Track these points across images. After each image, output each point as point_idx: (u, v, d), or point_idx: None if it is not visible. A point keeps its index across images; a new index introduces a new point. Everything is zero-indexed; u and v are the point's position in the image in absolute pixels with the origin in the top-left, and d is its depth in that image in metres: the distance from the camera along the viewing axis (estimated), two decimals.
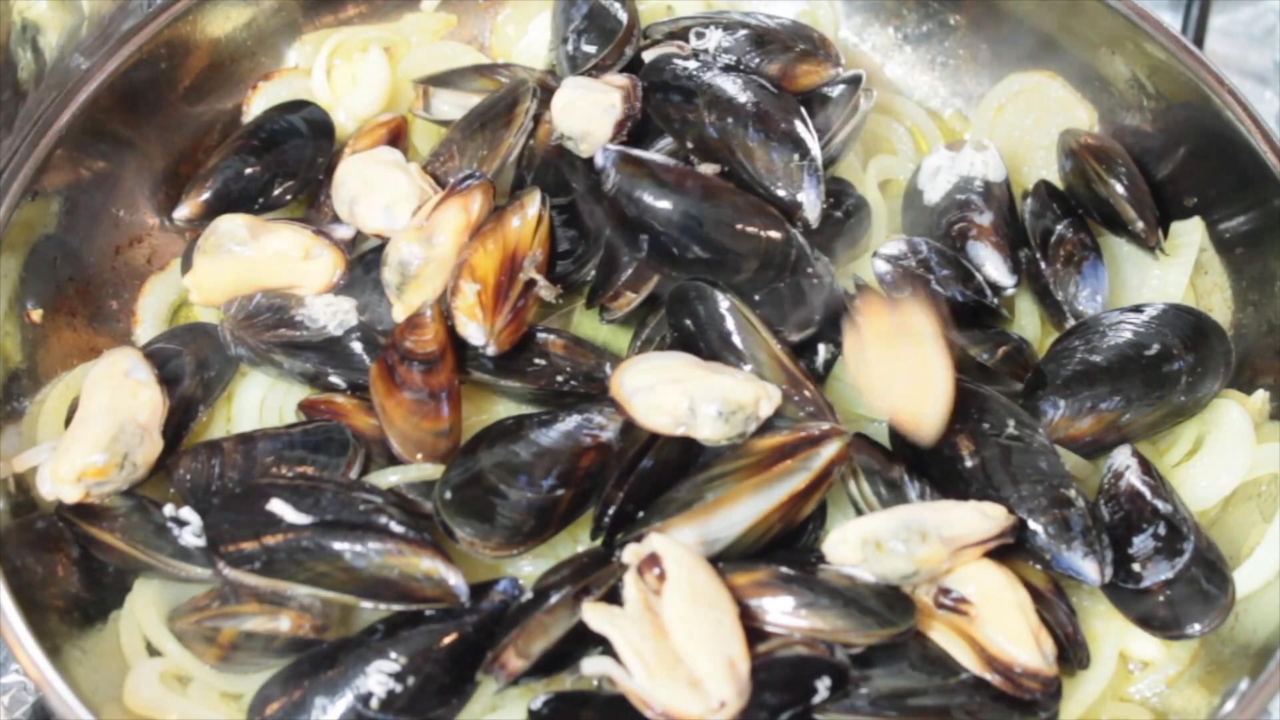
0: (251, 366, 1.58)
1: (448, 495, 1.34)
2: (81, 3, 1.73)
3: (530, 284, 1.49)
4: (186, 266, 1.60)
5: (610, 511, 1.34)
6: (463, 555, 1.34)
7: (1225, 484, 1.51)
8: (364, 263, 1.57)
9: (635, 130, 1.59)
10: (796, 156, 1.52)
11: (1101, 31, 1.74)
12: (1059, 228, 1.67)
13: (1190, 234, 1.66)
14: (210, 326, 1.60)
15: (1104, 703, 1.39)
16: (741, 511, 1.30)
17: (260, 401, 1.58)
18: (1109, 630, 1.41)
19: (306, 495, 1.35)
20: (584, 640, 1.25)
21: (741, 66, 1.64)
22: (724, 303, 1.44)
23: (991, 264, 1.59)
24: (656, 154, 1.55)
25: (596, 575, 1.29)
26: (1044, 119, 1.81)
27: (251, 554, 1.31)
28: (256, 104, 1.80)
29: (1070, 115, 1.80)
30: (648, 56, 1.68)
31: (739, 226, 1.46)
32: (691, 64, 1.62)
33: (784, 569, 1.29)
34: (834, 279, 1.53)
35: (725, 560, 1.30)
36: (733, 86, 1.58)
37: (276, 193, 1.68)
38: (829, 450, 1.32)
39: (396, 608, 1.30)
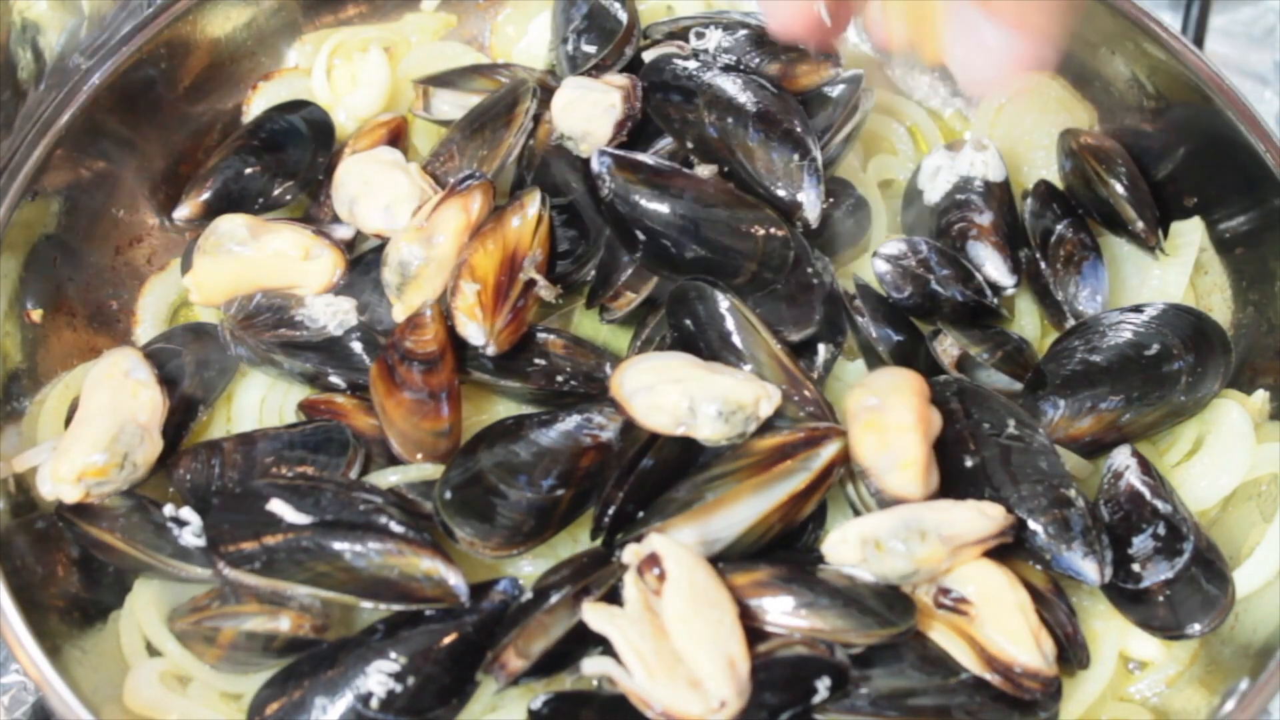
0: (251, 366, 1.58)
1: (448, 495, 1.35)
2: (81, 3, 1.73)
3: (530, 284, 1.49)
4: (186, 266, 1.60)
5: (610, 511, 1.34)
6: (463, 555, 1.34)
7: (1225, 484, 1.51)
8: (364, 263, 1.57)
9: (635, 130, 1.59)
10: (796, 156, 1.52)
11: (1101, 31, 1.73)
12: (1059, 228, 1.67)
13: (1190, 234, 1.65)
14: (210, 326, 1.60)
15: (1104, 703, 1.39)
16: (741, 511, 1.30)
17: (260, 401, 1.58)
18: (1109, 630, 1.41)
19: (306, 495, 1.35)
20: (584, 640, 1.25)
21: (741, 66, 1.64)
22: (724, 303, 1.44)
23: (991, 264, 1.59)
24: (651, 156, 1.55)
25: (596, 575, 1.29)
26: (1044, 119, 1.81)
27: (251, 554, 1.31)
28: (256, 104, 1.80)
29: (1070, 115, 1.80)
30: (648, 56, 1.68)
31: (737, 228, 1.46)
32: (691, 64, 1.62)
33: (784, 569, 1.29)
34: (834, 279, 1.53)
35: (725, 560, 1.30)
36: (733, 86, 1.58)
37: (276, 193, 1.68)
38: (829, 450, 1.32)
39: (396, 608, 1.30)
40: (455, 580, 1.29)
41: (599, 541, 1.37)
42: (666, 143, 1.63)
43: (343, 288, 1.55)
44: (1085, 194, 1.68)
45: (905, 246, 1.56)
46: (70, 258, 1.64)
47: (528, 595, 1.31)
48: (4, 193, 1.54)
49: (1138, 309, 1.55)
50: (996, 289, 1.59)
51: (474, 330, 1.44)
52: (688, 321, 1.46)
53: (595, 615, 1.23)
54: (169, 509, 1.40)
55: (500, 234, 1.47)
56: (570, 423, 1.41)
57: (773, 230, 1.47)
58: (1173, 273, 1.65)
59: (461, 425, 1.46)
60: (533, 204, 1.49)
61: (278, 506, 1.34)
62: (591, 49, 1.72)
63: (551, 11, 1.84)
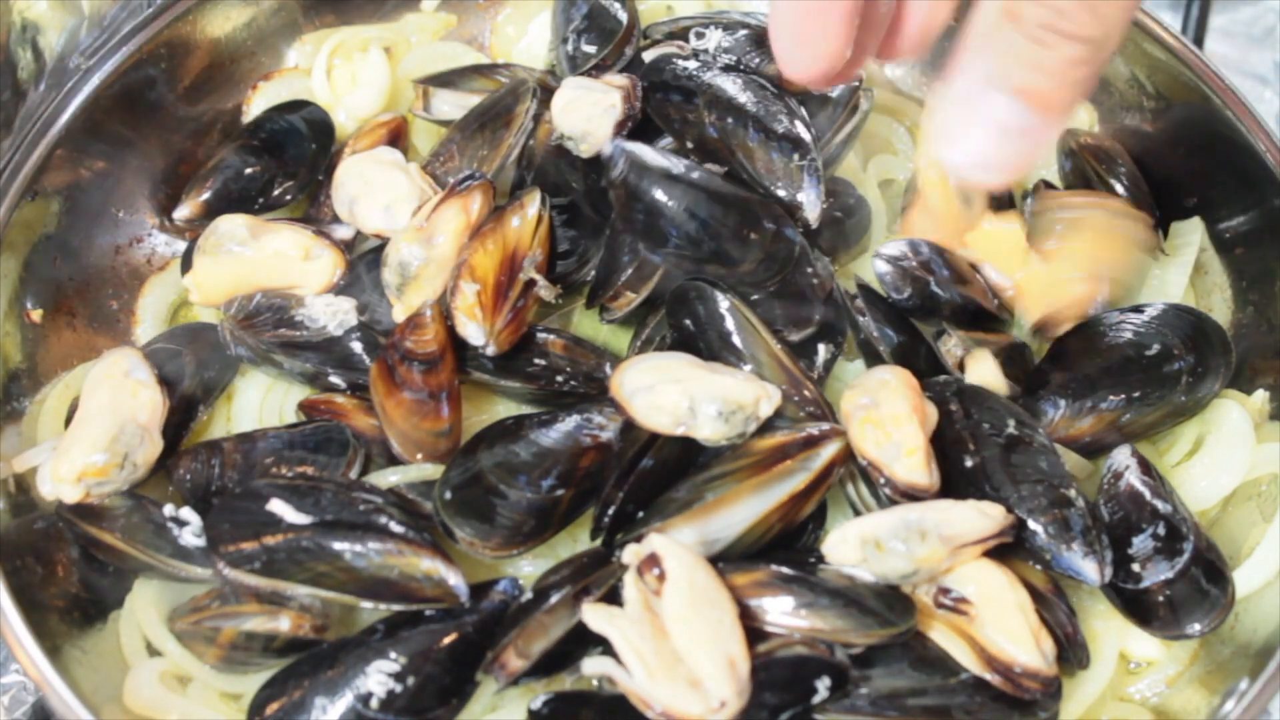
0: (251, 366, 1.58)
1: (448, 495, 1.35)
2: (81, 3, 1.73)
3: (530, 284, 1.49)
4: (186, 266, 1.60)
5: (610, 511, 1.34)
6: (463, 555, 1.34)
7: (1225, 484, 1.51)
8: (364, 263, 1.57)
9: (635, 130, 1.59)
10: (796, 156, 1.52)
11: None
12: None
13: (1190, 234, 1.66)
14: (210, 326, 1.60)
15: (1104, 703, 1.39)
16: (741, 511, 1.30)
17: (260, 401, 1.58)
18: (1109, 630, 1.41)
19: (306, 495, 1.35)
20: (584, 640, 1.25)
21: (741, 66, 1.64)
22: (724, 303, 1.44)
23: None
24: (661, 149, 1.55)
25: (596, 575, 1.29)
26: None
27: (251, 554, 1.31)
28: (256, 104, 1.80)
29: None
30: (648, 56, 1.68)
31: (742, 221, 1.46)
32: (691, 64, 1.62)
33: (784, 569, 1.29)
34: (834, 279, 1.53)
35: (725, 560, 1.30)
36: (733, 86, 1.58)
37: (276, 193, 1.69)
38: (829, 450, 1.32)
39: (396, 608, 1.30)
40: (455, 580, 1.29)
41: (599, 541, 1.37)
42: (666, 143, 1.63)
43: (343, 288, 1.55)
44: None
45: (906, 247, 1.56)
46: (70, 258, 1.64)
47: (528, 595, 1.31)
48: (4, 193, 1.54)
49: (1138, 309, 1.55)
50: (996, 290, 1.59)
51: (474, 330, 1.44)
52: (688, 321, 1.46)
53: (595, 615, 1.23)
54: (169, 509, 1.40)
55: (500, 234, 1.47)
56: (570, 423, 1.41)
57: (779, 224, 1.47)
58: (1173, 273, 1.65)
59: (461, 425, 1.46)
60: (533, 204, 1.49)
61: (278, 506, 1.34)
62: (591, 49, 1.72)
63: (551, 11, 1.84)
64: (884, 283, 1.54)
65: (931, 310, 1.54)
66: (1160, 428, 1.52)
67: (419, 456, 1.44)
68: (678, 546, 1.25)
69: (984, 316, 1.58)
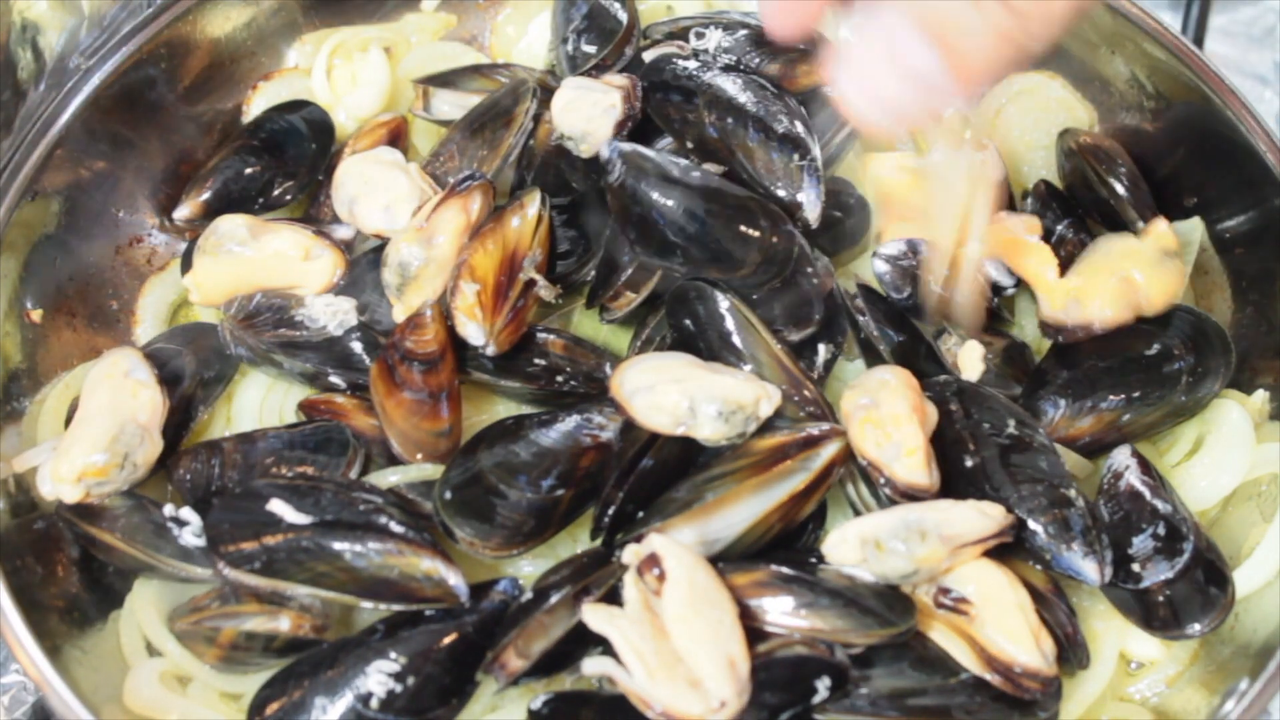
0: (251, 366, 1.58)
1: (448, 495, 1.35)
2: (81, 3, 1.73)
3: (530, 284, 1.49)
4: (186, 266, 1.60)
5: (610, 511, 1.34)
6: (463, 555, 1.34)
7: (1225, 484, 1.51)
8: (364, 263, 1.57)
9: (635, 130, 1.59)
10: (796, 156, 1.52)
11: (1101, 31, 1.73)
12: (1059, 228, 1.67)
13: (1190, 234, 1.65)
14: (210, 326, 1.60)
15: (1104, 703, 1.39)
16: (741, 511, 1.30)
17: (260, 401, 1.58)
18: (1109, 630, 1.41)
19: (306, 495, 1.35)
20: (584, 640, 1.25)
21: (741, 66, 1.64)
22: (724, 303, 1.44)
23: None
24: (661, 150, 1.55)
25: (596, 575, 1.29)
26: (1044, 119, 1.81)
27: (251, 554, 1.31)
28: (256, 104, 1.79)
29: (1070, 115, 1.80)
30: (648, 56, 1.68)
31: (741, 223, 1.46)
32: (691, 64, 1.62)
33: (784, 569, 1.29)
34: (834, 279, 1.53)
35: (725, 560, 1.30)
36: (733, 86, 1.58)
37: (276, 193, 1.69)
38: (829, 450, 1.32)
39: (396, 608, 1.30)
40: (455, 580, 1.29)
41: (599, 541, 1.37)
42: (666, 143, 1.63)
43: (343, 288, 1.55)
44: (1085, 194, 1.68)
45: (905, 247, 1.56)
46: (70, 258, 1.64)
47: (528, 595, 1.31)
48: (4, 193, 1.54)
49: None
50: (997, 289, 1.59)
51: (474, 330, 1.44)
52: (688, 321, 1.46)
53: (595, 615, 1.23)
54: (169, 509, 1.40)
55: (500, 234, 1.47)
56: (570, 423, 1.41)
57: (778, 225, 1.47)
58: None
59: (461, 425, 1.46)
60: (533, 204, 1.49)
61: (278, 506, 1.34)
62: (591, 49, 1.72)
63: (551, 11, 1.84)
64: (883, 282, 1.54)
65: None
66: (1160, 428, 1.52)
67: (419, 456, 1.44)
68: (678, 546, 1.25)
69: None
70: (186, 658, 1.37)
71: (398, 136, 1.73)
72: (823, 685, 1.24)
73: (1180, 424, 1.54)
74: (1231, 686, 1.34)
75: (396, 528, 1.32)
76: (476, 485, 1.36)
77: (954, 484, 1.37)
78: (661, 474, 1.37)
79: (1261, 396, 1.56)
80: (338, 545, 1.31)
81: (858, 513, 1.39)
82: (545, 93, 1.64)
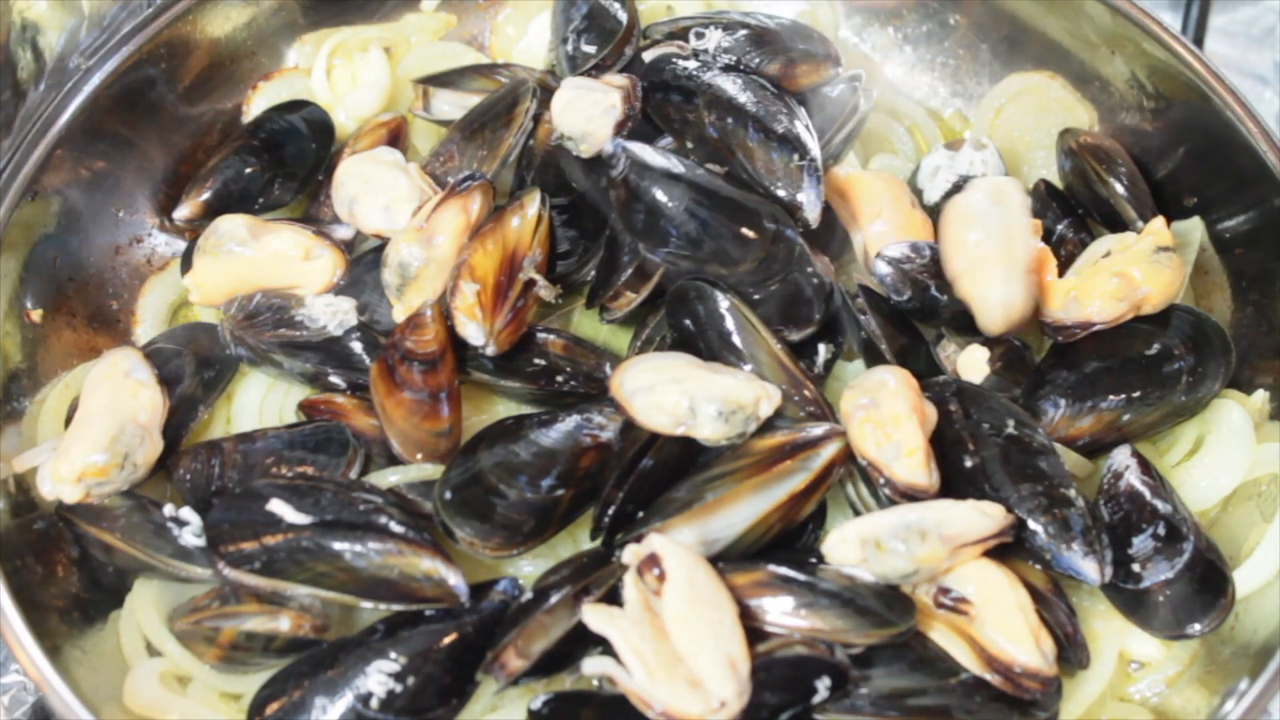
0: (251, 366, 1.58)
1: (448, 495, 1.35)
2: (81, 3, 1.73)
3: (530, 284, 1.49)
4: (186, 266, 1.60)
5: (610, 511, 1.34)
6: (463, 555, 1.34)
7: (1225, 484, 1.50)
8: (364, 263, 1.57)
9: (635, 130, 1.59)
10: (796, 156, 1.52)
11: (1101, 31, 1.74)
12: (1059, 228, 1.67)
13: (1190, 234, 1.65)
14: (210, 326, 1.60)
15: (1104, 703, 1.39)
16: (741, 511, 1.30)
17: (260, 401, 1.58)
18: (1109, 630, 1.41)
19: (306, 495, 1.35)
20: (584, 640, 1.25)
21: (741, 66, 1.64)
22: (724, 303, 1.44)
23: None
24: (664, 149, 1.55)
25: (596, 575, 1.29)
26: (1044, 119, 1.81)
27: (251, 554, 1.31)
28: (256, 104, 1.80)
29: (1070, 115, 1.80)
30: (648, 56, 1.68)
31: (742, 222, 1.46)
32: (691, 64, 1.62)
33: (784, 569, 1.29)
34: (834, 279, 1.53)
35: (725, 560, 1.30)
36: (733, 86, 1.58)
37: (276, 193, 1.68)
38: (829, 450, 1.32)
39: (396, 608, 1.30)
40: (455, 580, 1.29)
41: (599, 541, 1.37)
42: (666, 143, 1.63)
43: (343, 288, 1.55)
44: (1085, 194, 1.68)
45: (908, 249, 1.55)
46: (70, 258, 1.64)
47: (528, 595, 1.31)
48: (4, 193, 1.54)
49: None
50: None
51: (474, 330, 1.44)
52: (688, 321, 1.46)
53: (595, 616, 1.23)
54: (169, 509, 1.40)
55: (500, 234, 1.47)
56: (570, 423, 1.41)
57: (779, 224, 1.47)
58: None
59: (461, 425, 1.46)
60: (532, 204, 1.49)
61: (278, 506, 1.34)
62: (591, 49, 1.71)
63: (551, 11, 1.84)
64: (884, 284, 1.54)
65: (931, 313, 1.54)
66: (1160, 428, 1.52)
67: (419, 456, 1.44)
68: (678, 546, 1.25)
69: None
70: (186, 658, 1.37)
71: (398, 136, 1.73)
72: (823, 685, 1.24)
73: (1180, 424, 1.54)
74: (1231, 686, 1.34)
75: (396, 528, 1.32)
76: (476, 485, 1.36)
77: (954, 484, 1.37)
78: (661, 474, 1.37)
79: (1261, 396, 1.56)
80: (338, 545, 1.31)
81: (858, 513, 1.39)
82: (545, 93, 1.64)
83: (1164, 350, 1.51)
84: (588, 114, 1.56)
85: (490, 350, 1.45)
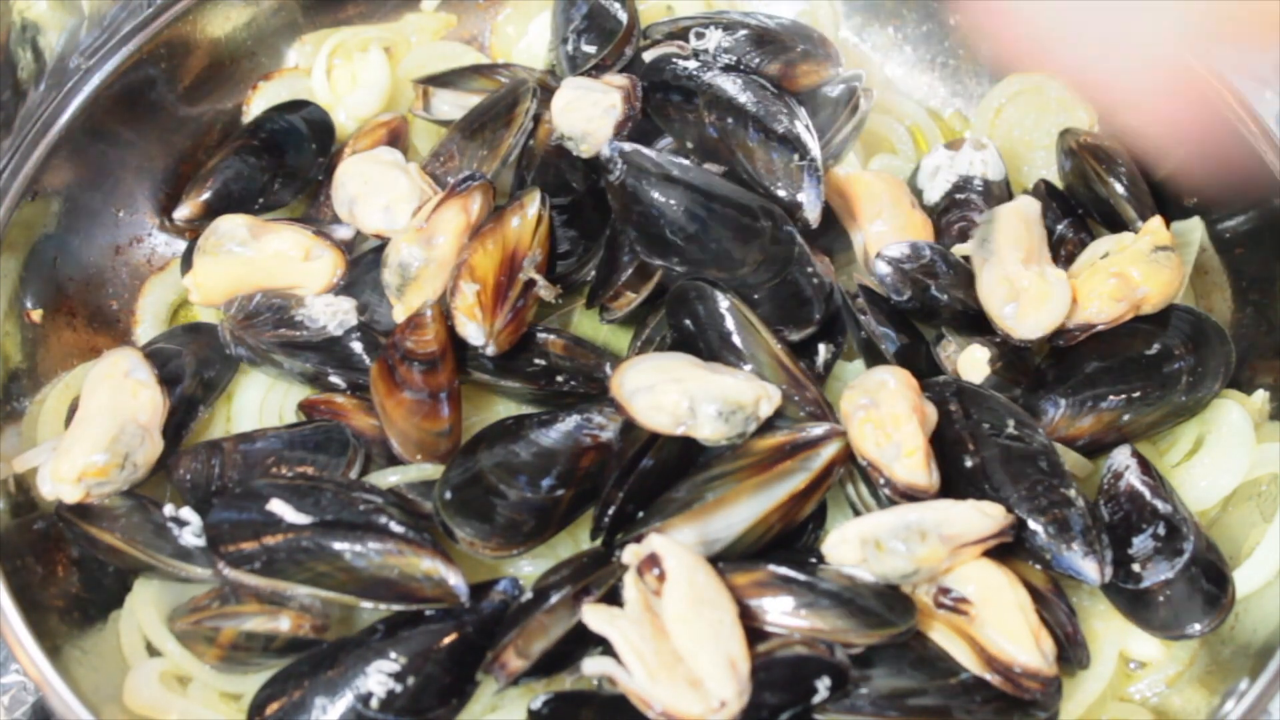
0: (251, 366, 1.58)
1: (448, 495, 1.35)
2: (81, 3, 1.73)
3: (530, 284, 1.49)
4: (186, 266, 1.60)
5: (610, 511, 1.34)
6: (463, 555, 1.34)
7: (1225, 484, 1.51)
8: (364, 263, 1.57)
9: (635, 130, 1.59)
10: (796, 156, 1.52)
11: None
12: (1059, 228, 1.67)
13: (1190, 234, 1.65)
14: (210, 326, 1.60)
15: (1104, 703, 1.39)
16: (741, 511, 1.30)
17: (260, 401, 1.58)
18: (1109, 630, 1.41)
19: (306, 495, 1.35)
20: (584, 640, 1.25)
21: (741, 66, 1.64)
22: (724, 303, 1.44)
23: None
24: (662, 150, 1.55)
25: (596, 575, 1.29)
26: (1044, 119, 1.81)
27: (251, 554, 1.31)
28: (256, 104, 1.80)
29: (1070, 115, 1.80)
30: (648, 56, 1.68)
31: (741, 223, 1.46)
32: (691, 64, 1.62)
33: (784, 569, 1.29)
34: (833, 279, 1.53)
35: (725, 560, 1.30)
36: (733, 86, 1.58)
37: (276, 193, 1.69)
38: (829, 450, 1.32)
39: (396, 608, 1.30)
40: (455, 580, 1.29)
41: (599, 541, 1.37)
42: (666, 143, 1.63)
43: (343, 288, 1.55)
44: (1085, 194, 1.68)
45: (909, 249, 1.55)
46: (70, 258, 1.64)
47: (528, 595, 1.31)
48: (4, 193, 1.54)
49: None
50: None
51: (474, 330, 1.44)
52: (688, 321, 1.46)
53: (595, 616, 1.23)
54: (169, 509, 1.40)
55: (500, 234, 1.47)
56: (570, 423, 1.41)
57: (779, 223, 1.47)
58: None
59: (461, 425, 1.46)
60: (532, 204, 1.49)
61: (278, 506, 1.34)
62: (591, 49, 1.72)
63: (551, 11, 1.84)
64: (884, 284, 1.54)
65: (931, 313, 1.54)
66: (1160, 428, 1.52)
67: (419, 456, 1.44)
68: (678, 546, 1.25)
69: (984, 321, 1.58)
70: (186, 658, 1.37)
71: (398, 136, 1.73)
72: (823, 685, 1.24)
73: (1180, 424, 1.54)
74: (1231, 686, 1.34)
75: (396, 528, 1.32)
76: (476, 485, 1.36)
77: (954, 484, 1.37)
78: (661, 474, 1.37)
79: (1261, 396, 1.56)
80: (338, 545, 1.31)
81: (858, 513, 1.39)
82: (545, 93, 1.64)
83: (1164, 350, 1.51)
84: (588, 114, 1.56)
85: (490, 350, 1.45)
